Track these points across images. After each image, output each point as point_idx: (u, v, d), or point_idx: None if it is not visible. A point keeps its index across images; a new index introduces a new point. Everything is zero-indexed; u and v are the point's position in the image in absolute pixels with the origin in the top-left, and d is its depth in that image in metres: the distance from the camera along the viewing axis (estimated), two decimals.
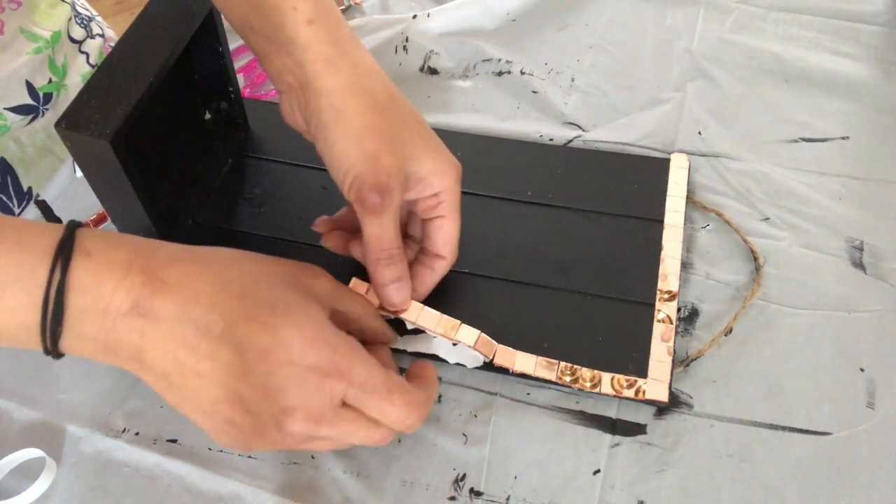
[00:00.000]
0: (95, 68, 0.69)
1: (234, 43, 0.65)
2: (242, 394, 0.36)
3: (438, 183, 0.44)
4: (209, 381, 0.36)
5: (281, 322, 0.37)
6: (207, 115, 0.59)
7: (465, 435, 0.45)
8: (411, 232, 0.49)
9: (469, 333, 0.45)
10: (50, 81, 0.64)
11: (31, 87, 0.63)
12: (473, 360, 0.47)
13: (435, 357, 0.47)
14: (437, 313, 0.45)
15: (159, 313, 0.36)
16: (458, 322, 0.45)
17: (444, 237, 0.46)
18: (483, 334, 0.45)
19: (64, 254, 0.35)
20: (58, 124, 0.43)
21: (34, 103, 0.63)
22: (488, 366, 0.46)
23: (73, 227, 0.37)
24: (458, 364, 0.47)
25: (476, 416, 0.45)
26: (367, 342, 0.43)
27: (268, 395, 0.36)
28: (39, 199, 0.57)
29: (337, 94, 0.43)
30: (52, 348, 0.36)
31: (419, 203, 0.45)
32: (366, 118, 0.43)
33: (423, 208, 0.46)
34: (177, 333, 0.36)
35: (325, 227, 0.49)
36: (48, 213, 0.56)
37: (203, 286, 0.37)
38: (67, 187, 0.58)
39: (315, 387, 0.37)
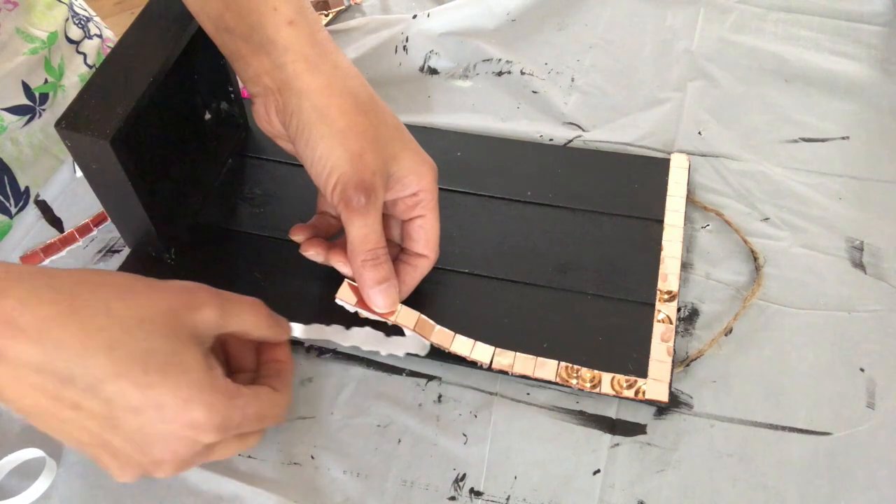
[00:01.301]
0: (94, 68, 0.69)
1: None
2: (111, 442, 0.36)
3: (417, 182, 0.44)
4: (73, 426, 0.36)
5: (154, 380, 0.35)
6: (207, 115, 0.59)
7: (465, 435, 0.45)
8: (388, 235, 0.48)
9: (408, 315, 0.46)
10: (46, 82, 0.64)
11: (27, 88, 0.63)
12: (416, 346, 0.47)
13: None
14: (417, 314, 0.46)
15: (17, 360, 0.34)
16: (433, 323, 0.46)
17: (426, 236, 0.46)
18: (422, 316, 0.46)
19: None
20: (58, 124, 0.43)
21: (30, 104, 0.63)
22: (468, 362, 0.46)
23: None
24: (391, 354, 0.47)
25: (476, 416, 0.45)
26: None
27: (137, 448, 0.36)
28: (39, 199, 0.57)
29: (319, 94, 0.42)
30: None
31: (398, 203, 0.45)
32: (348, 118, 0.42)
33: (402, 209, 0.46)
34: (36, 382, 0.35)
35: (305, 233, 0.48)
36: (48, 213, 0.56)
37: (67, 336, 0.34)
38: (67, 187, 0.58)
39: (187, 443, 0.37)
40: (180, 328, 0.37)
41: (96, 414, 0.35)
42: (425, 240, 0.46)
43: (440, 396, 0.46)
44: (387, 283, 0.44)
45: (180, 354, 0.36)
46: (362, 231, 0.43)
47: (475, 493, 0.43)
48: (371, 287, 0.44)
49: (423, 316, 0.47)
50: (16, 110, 0.62)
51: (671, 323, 0.47)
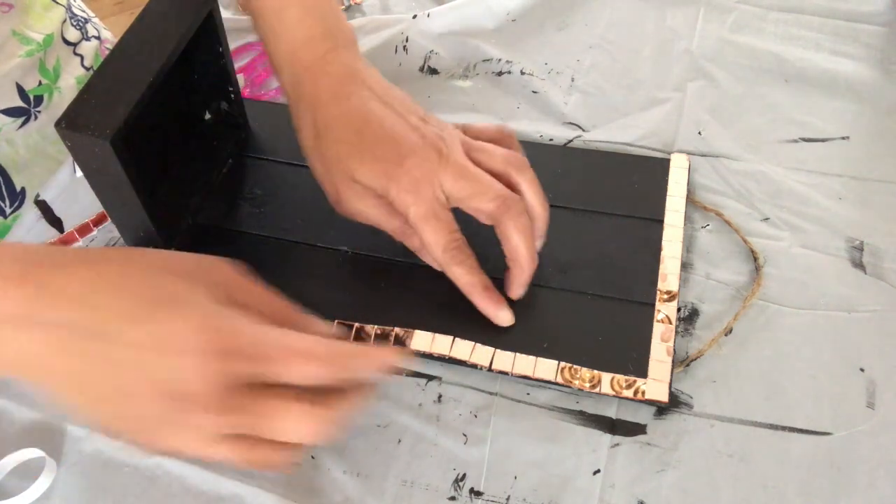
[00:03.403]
0: (92, 70, 0.69)
1: (234, 43, 0.65)
2: (139, 389, 0.35)
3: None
4: (100, 385, 0.36)
5: (163, 316, 0.35)
6: (207, 115, 0.59)
7: (465, 435, 0.45)
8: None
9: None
10: (40, 84, 0.64)
11: (21, 90, 0.63)
12: None
13: None
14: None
15: (48, 322, 0.35)
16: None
17: (508, 248, 0.47)
18: (417, 331, 0.47)
19: None
20: (58, 124, 0.43)
21: (25, 106, 0.63)
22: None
23: None
24: None
25: (476, 416, 0.45)
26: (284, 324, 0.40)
27: (160, 389, 0.35)
28: (39, 199, 0.57)
29: None
30: None
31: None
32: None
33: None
34: (62, 339, 0.35)
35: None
36: (48, 213, 0.56)
37: (83, 288, 0.36)
38: (67, 187, 0.58)
39: (199, 372, 0.35)
40: (195, 275, 0.38)
41: (119, 360, 0.35)
42: (508, 251, 0.47)
43: (440, 396, 0.46)
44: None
45: (190, 292, 0.37)
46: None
47: (475, 493, 0.43)
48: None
49: (418, 331, 0.47)
50: (10, 112, 0.62)
51: (670, 323, 0.47)
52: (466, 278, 0.46)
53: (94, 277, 0.37)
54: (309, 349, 0.36)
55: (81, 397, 0.37)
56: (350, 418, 0.37)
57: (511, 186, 0.47)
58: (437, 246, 0.46)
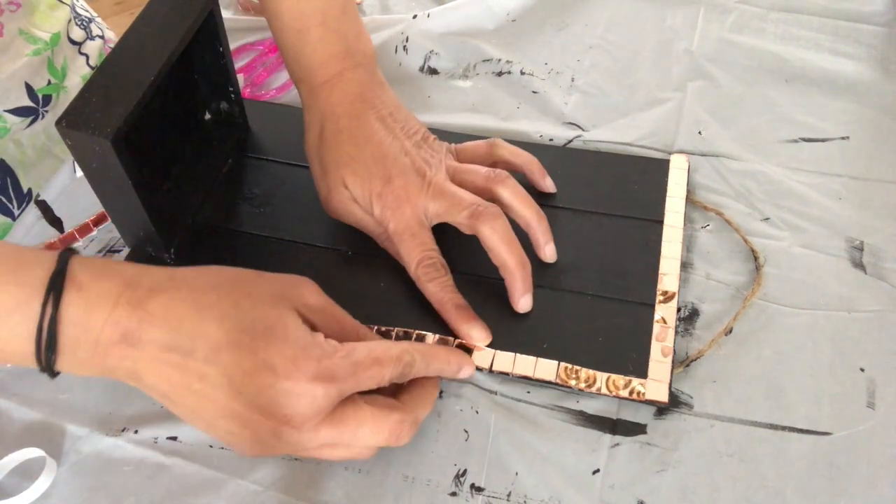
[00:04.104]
0: (96, 68, 0.69)
1: (234, 43, 0.65)
2: (237, 411, 0.38)
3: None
4: (205, 399, 0.38)
5: (261, 345, 0.38)
6: (207, 115, 0.59)
7: (466, 431, 0.45)
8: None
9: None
10: (49, 83, 0.64)
11: (30, 89, 0.63)
12: None
13: None
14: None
15: (147, 342, 0.38)
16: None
17: (491, 255, 0.48)
18: (418, 332, 0.47)
19: (55, 289, 0.37)
20: (58, 123, 0.43)
21: (34, 105, 0.63)
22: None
23: (66, 258, 0.38)
24: None
25: (477, 412, 0.45)
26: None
27: (260, 412, 0.38)
28: (39, 199, 0.57)
29: None
30: (48, 370, 0.38)
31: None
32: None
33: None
34: (166, 359, 0.38)
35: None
36: (48, 213, 0.56)
37: (184, 314, 0.38)
38: (67, 187, 0.58)
39: (305, 398, 0.38)
40: (283, 300, 0.40)
41: (218, 382, 0.37)
42: (490, 254, 0.48)
43: (441, 392, 0.46)
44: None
45: (283, 320, 0.39)
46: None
47: (476, 488, 0.43)
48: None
49: (418, 331, 0.47)
50: (19, 112, 0.62)
51: (665, 323, 0.47)
52: (438, 295, 0.48)
53: (189, 302, 0.39)
54: (385, 355, 0.40)
55: (190, 416, 0.40)
56: (420, 420, 0.42)
57: (495, 199, 0.49)
58: (412, 261, 0.48)
